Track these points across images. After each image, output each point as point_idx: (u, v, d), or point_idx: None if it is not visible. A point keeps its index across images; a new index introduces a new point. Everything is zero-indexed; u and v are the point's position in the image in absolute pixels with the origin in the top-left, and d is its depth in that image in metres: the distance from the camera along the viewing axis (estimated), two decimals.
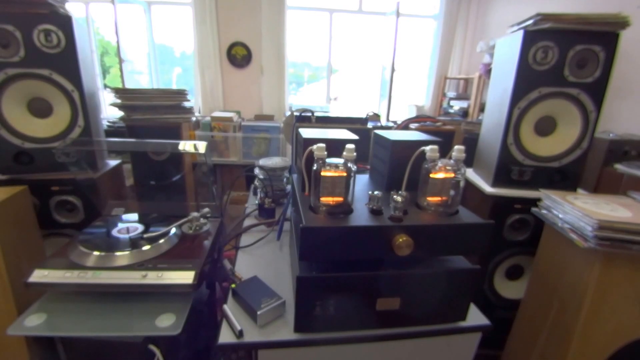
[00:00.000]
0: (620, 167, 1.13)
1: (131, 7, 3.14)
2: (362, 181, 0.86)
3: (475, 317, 0.72)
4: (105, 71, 3.54)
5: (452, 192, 0.65)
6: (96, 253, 0.73)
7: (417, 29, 3.57)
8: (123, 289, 0.68)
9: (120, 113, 1.36)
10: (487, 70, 2.75)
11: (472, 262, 0.70)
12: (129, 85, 3.17)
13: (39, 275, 0.67)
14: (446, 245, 0.63)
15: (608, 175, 1.30)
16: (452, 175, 0.64)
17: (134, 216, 0.96)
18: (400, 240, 0.57)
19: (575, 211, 0.87)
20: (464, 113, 3.13)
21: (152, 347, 0.66)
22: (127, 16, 3.08)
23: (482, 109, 2.87)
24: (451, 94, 3.39)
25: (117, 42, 3.01)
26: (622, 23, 0.97)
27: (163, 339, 0.67)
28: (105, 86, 3.33)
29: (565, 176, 1.13)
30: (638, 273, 0.83)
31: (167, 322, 0.65)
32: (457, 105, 3.23)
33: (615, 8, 1.06)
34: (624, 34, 1.00)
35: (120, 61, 3.08)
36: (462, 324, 0.70)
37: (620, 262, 0.82)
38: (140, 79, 3.37)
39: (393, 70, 3.26)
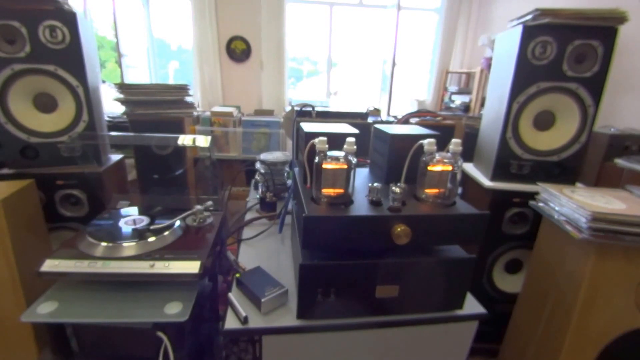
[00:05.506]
0: (620, 161, 1.14)
1: (129, 1, 3.12)
2: (362, 174, 0.88)
3: (472, 306, 0.75)
4: (100, 65, 3.53)
5: (449, 184, 0.67)
6: (104, 244, 0.75)
7: (418, 22, 3.56)
8: (132, 278, 0.70)
9: (122, 108, 1.38)
10: (489, 65, 2.75)
11: (471, 254, 0.72)
12: (126, 79, 3.17)
13: (50, 265, 0.70)
14: (443, 235, 0.65)
15: (608, 169, 1.31)
16: (450, 167, 0.66)
17: (139, 209, 0.98)
18: (399, 229, 0.59)
19: (571, 203, 0.89)
20: (466, 107, 3.13)
21: (160, 334, 0.69)
22: (123, 10, 3.07)
23: (483, 104, 2.87)
24: (453, 88, 3.38)
25: (117, 36, 3.01)
26: (619, 18, 0.97)
27: (170, 327, 0.69)
28: (102, 81, 3.32)
29: (564, 170, 1.14)
30: (632, 264, 0.85)
31: (175, 310, 0.68)
32: (458, 100, 3.23)
33: (614, 3, 1.06)
34: (627, 29, 1.01)
35: (120, 56, 3.08)
36: (459, 312, 0.73)
37: (614, 253, 0.84)
38: (136, 73, 3.36)
39: (394, 64, 3.26)
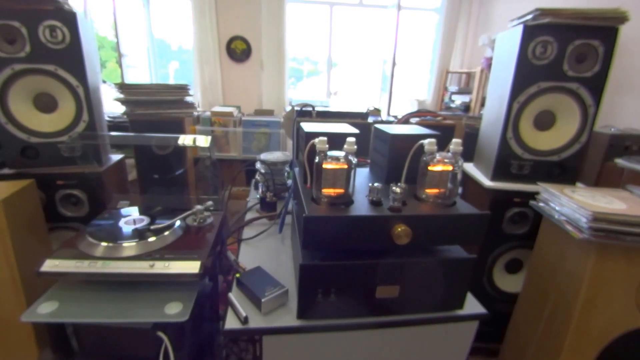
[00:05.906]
0: (620, 161, 1.14)
1: (129, 1, 3.12)
2: (362, 174, 0.88)
3: (473, 306, 0.75)
4: (101, 65, 3.53)
5: (449, 184, 0.67)
6: (104, 244, 0.75)
7: (418, 22, 3.56)
8: (132, 278, 0.70)
9: (122, 108, 1.38)
10: (489, 64, 2.75)
11: (471, 254, 0.72)
12: (126, 79, 3.17)
13: (50, 265, 0.70)
14: (443, 235, 0.65)
15: (609, 169, 1.31)
16: (450, 167, 0.66)
17: (140, 209, 0.98)
18: (399, 229, 0.59)
19: (571, 203, 0.89)
20: (466, 107, 3.13)
21: (161, 334, 0.69)
22: (124, 10, 3.07)
23: (483, 104, 2.87)
24: (453, 88, 3.38)
25: (117, 36, 3.01)
26: (620, 18, 0.97)
27: (171, 327, 0.69)
28: (103, 81, 3.32)
29: (565, 170, 1.14)
30: (632, 264, 0.85)
31: (175, 310, 0.68)
32: (458, 100, 3.22)
33: (614, 3, 1.06)
34: (628, 29, 1.01)
35: (120, 56, 3.08)
36: (460, 312, 0.73)
37: (614, 253, 0.84)
38: (136, 73, 3.36)
39: (394, 64, 3.26)
